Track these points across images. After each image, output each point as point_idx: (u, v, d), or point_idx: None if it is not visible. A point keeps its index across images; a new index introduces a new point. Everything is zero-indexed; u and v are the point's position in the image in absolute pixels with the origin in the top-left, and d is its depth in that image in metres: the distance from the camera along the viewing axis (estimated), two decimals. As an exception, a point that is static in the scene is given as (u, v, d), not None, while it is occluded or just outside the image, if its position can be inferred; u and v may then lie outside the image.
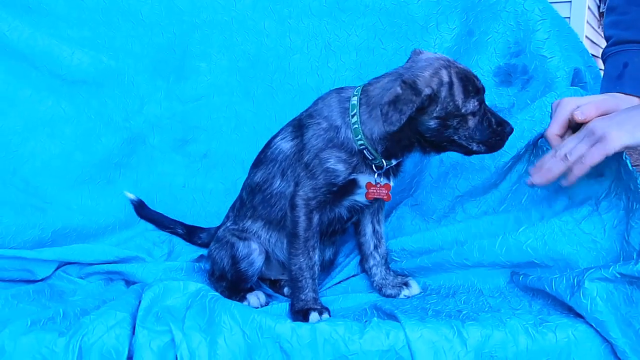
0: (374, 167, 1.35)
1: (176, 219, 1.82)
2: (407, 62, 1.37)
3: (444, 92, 1.24)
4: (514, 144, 1.50)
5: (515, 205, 1.44)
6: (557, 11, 1.78)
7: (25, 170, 1.77)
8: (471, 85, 1.26)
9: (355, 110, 1.33)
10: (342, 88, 1.42)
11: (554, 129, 1.32)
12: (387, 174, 1.39)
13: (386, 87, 1.29)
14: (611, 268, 1.11)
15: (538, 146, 1.50)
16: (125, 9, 1.91)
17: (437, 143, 1.31)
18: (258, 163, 1.50)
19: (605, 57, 1.48)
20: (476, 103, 1.26)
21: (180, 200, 1.90)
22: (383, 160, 1.34)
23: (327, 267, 1.58)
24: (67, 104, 1.87)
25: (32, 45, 1.85)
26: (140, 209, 1.83)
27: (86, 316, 1.16)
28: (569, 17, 2.88)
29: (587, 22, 3.75)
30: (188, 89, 1.94)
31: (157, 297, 1.20)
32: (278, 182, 1.43)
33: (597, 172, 1.31)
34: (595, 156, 1.21)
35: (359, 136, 1.32)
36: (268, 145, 1.49)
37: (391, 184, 1.40)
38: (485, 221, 1.48)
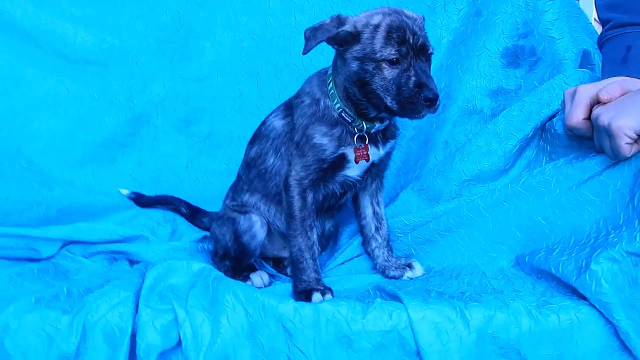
0: (356, 131, 1.35)
1: (180, 198, 1.81)
2: None
3: (367, 34, 1.26)
4: (521, 127, 1.49)
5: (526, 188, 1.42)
6: (566, -8, 1.75)
7: (30, 150, 1.78)
8: (397, 35, 1.24)
9: (331, 79, 1.36)
10: (324, 68, 1.43)
11: (580, 115, 1.29)
12: (375, 142, 1.38)
13: None
14: (617, 247, 1.11)
15: (546, 130, 1.48)
16: (129, -13, 1.89)
17: (364, 92, 1.29)
18: (254, 139, 1.52)
19: (604, 41, 1.45)
20: (394, 52, 1.24)
21: (183, 180, 1.91)
22: (364, 123, 1.34)
23: (328, 239, 1.59)
24: (71, 84, 1.87)
25: (35, 24, 1.84)
26: (140, 200, 1.82)
27: (90, 294, 1.17)
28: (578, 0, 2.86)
29: (597, 4, 3.74)
30: (192, 68, 1.93)
31: (160, 276, 1.20)
32: (272, 159, 1.44)
33: None
34: (623, 151, 1.20)
35: (336, 100, 1.34)
36: (263, 122, 1.51)
37: (381, 152, 1.40)
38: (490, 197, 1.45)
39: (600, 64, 1.54)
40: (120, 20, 1.89)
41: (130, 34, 1.90)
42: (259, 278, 1.46)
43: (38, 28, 1.84)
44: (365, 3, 1.88)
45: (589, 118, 1.30)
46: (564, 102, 1.35)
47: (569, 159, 1.36)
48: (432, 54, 1.29)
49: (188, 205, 1.80)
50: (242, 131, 1.89)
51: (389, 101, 1.26)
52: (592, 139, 1.32)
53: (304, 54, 1.27)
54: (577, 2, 1.84)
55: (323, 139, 1.34)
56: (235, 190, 1.56)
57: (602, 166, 1.29)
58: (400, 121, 1.51)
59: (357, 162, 1.37)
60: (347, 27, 1.26)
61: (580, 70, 1.57)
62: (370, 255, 1.52)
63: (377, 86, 1.26)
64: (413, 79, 1.24)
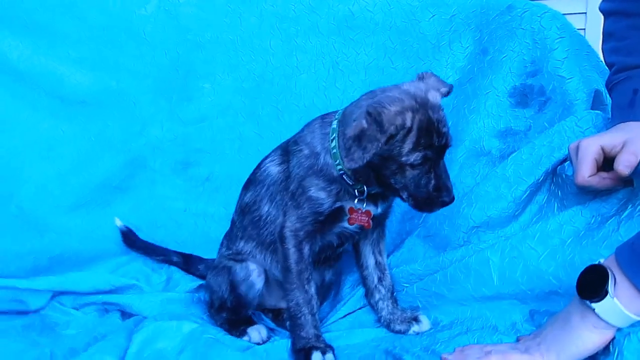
0: (357, 194, 1.29)
1: (169, 248, 1.75)
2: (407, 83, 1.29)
3: (399, 136, 1.16)
4: (531, 171, 1.42)
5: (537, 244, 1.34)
6: (576, 29, 1.70)
7: (21, 195, 1.73)
8: (425, 139, 1.17)
9: (334, 135, 1.28)
10: (328, 113, 1.37)
11: (587, 172, 1.23)
12: (375, 200, 1.33)
13: (354, 112, 1.22)
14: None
15: (557, 174, 1.41)
16: (128, 27, 1.87)
17: (377, 177, 1.24)
18: (248, 184, 1.48)
19: (611, 85, 1.40)
20: (419, 157, 1.17)
21: (181, 225, 1.85)
22: (364, 187, 1.28)
23: (329, 288, 1.54)
24: (66, 125, 1.82)
25: (31, 64, 1.81)
26: (130, 238, 1.76)
27: (74, 359, 1.10)
28: (584, 29, 2.81)
29: (604, 35, 3.70)
30: (191, 110, 1.90)
31: (148, 339, 1.14)
32: (267, 207, 1.39)
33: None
34: None
35: (338, 161, 1.27)
36: (259, 166, 1.46)
37: (379, 210, 1.34)
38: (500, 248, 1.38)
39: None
40: (118, 60, 1.86)
41: (128, 74, 1.86)
42: (256, 333, 1.39)
43: (34, 69, 1.80)
44: (368, 42, 1.85)
45: (597, 172, 1.23)
46: (569, 155, 1.30)
47: (585, 216, 1.28)
48: (451, 146, 1.23)
49: (179, 253, 1.74)
50: (242, 174, 1.81)
51: (404, 195, 1.23)
52: (605, 191, 1.25)
53: (351, 167, 1.18)
54: (583, 35, 1.79)
55: (320, 193, 1.29)
56: (230, 237, 1.51)
57: (619, 225, 1.21)
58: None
59: (350, 224, 1.31)
60: (391, 130, 1.14)
61: (592, 111, 1.50)
62: (373, 307, 1.45)
63: (395, 181, 1.21)
64: (433, 181, 1.20)
